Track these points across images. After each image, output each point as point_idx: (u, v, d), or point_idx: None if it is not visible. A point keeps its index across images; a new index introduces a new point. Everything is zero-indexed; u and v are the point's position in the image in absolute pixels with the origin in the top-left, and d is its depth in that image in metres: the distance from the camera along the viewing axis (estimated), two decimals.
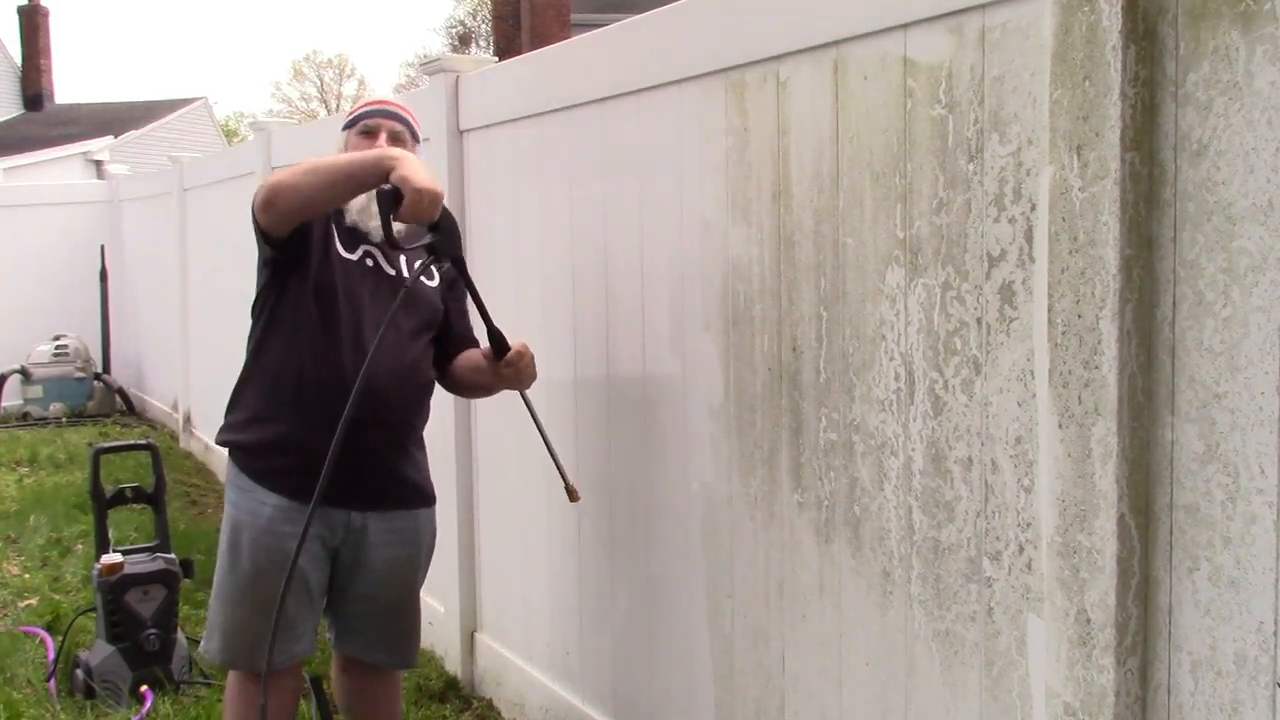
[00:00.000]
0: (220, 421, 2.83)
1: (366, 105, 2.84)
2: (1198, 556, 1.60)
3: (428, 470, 2.88)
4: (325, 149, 3.37)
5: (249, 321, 2.76)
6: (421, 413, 2.82)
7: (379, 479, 2.70)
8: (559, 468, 2.75)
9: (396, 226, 2.41)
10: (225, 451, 2.82)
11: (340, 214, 2.70)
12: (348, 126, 2.80)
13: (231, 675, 2.76)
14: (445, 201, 3.82)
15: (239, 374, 2.76)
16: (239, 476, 2.70)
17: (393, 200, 2.34)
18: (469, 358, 2.83)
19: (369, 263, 2.71)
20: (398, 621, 2.82)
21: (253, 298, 2.75)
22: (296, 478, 2.59)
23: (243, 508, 2.66)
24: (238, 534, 2.66)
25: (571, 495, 2.75)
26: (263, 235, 2.61)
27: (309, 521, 2.34)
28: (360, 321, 2.64)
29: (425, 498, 2.83)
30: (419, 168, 2.37)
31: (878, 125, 2.10)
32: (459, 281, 2.83)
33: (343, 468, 2.61)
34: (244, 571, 2.64)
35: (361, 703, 2.91)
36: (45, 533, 5.84)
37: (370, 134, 2.73)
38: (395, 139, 2.73)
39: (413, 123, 2.81)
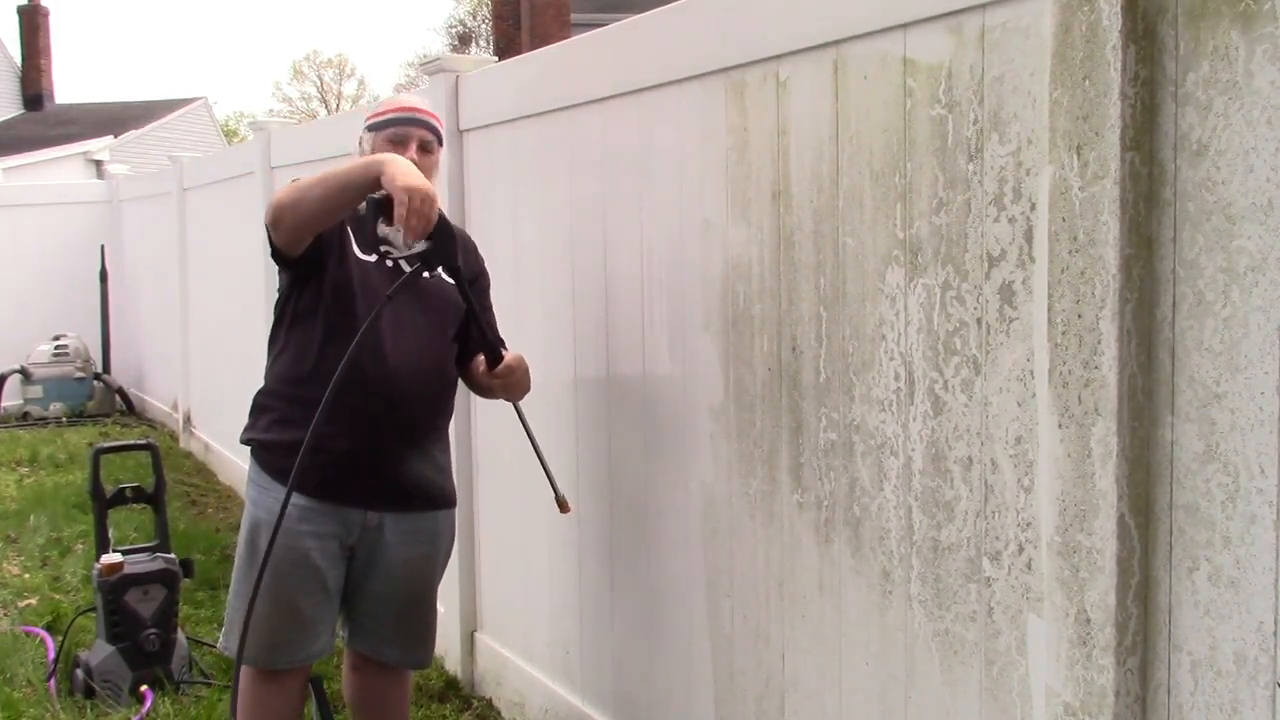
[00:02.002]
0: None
1: (398, 110, 2.80)
2: (1198, 556, 1.60)
3: (449, 471, 2.87)
4: (325, 148, 3.38)
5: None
6: (443, 412, 2.82)
7: (396, 479, 2.70)
8: (549, 478, 2.77)
9: (417, 245, 2.42)
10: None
11: (356, 224, 2.69)
12: (376, 129, 2.77)
13: (242, 671, 2.75)
14: (444, 202, 3.83)
15: (264, 376, 2.77)
16: (260, 475, 2.70)
17: (380, 205, 2.36)
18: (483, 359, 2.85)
19: (388, 263, 2.71)
20: (411, 621, 2.82)
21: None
22: (314, 477, 2.60)
23: (262, 506, 2.67)
24: (256, 532, 2.67)
25: (562, 506, 2.76)
26: (277, 251, 2.63)
27: (285, 503, 2.35)
28: (378, 324, 2.64)
29: (444, 500, 2.83)
30: (406, 167, 2.37)
31: (877, 125, 2.10)
32: (480, 280, 2.86)
33: (360, 467, 2.64)
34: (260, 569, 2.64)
35: (370, 702, 2.91)
36: (45, 533, 5.84)
37: (400, 143, 2.72)
38: (424, 148, 2.75)
39: (440, 127, 2.83)
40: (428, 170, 2.74)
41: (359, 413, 2.61)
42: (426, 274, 2.55)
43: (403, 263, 2.74)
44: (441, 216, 2.42)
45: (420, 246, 2.46)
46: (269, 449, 2.69)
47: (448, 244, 2.46)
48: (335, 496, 2.63)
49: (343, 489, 2.64)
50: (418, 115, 2.78)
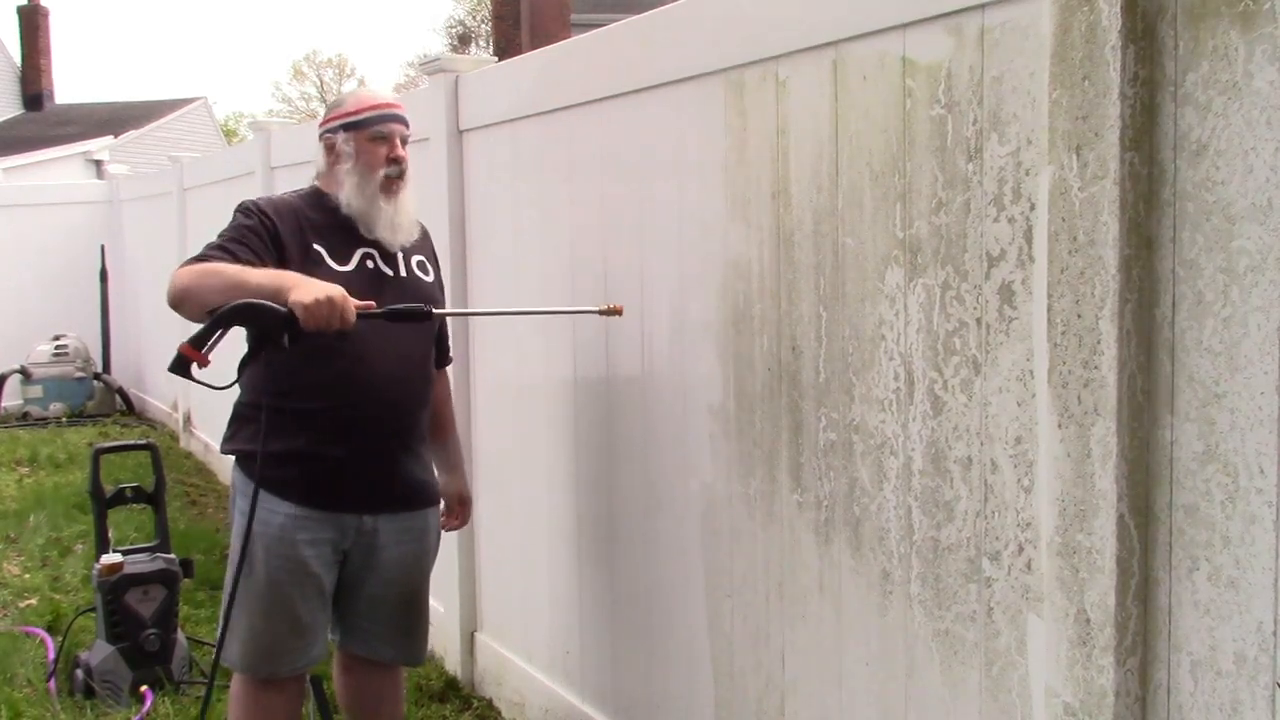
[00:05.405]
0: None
1: (374, 107, 2.75)
2: (1197, 556, 1.60)
3: (432, 467, 2.90)
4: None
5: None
6: (426, 410, 2.83)
7: (389, 482, 2.71)
8: (574, 312, 2.81)
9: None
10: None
11: (325, 232, 2.68)
12: (353, 127, 2.72)
13: (239, 680, 2.75)
14: (444, 202, 3.84)
15: (240, 386, 2.74)
16: (248, 485, 2.68)
17: (288, 321, 2.40)
18: (438, 408, 2.97)
19: (369, 265, 2.70)
20: (407, 618, 2.83)
21: None
22: (307, 486, 2.60)
23: (254, 517, 2.65)
24: (251, 543, 2.65)
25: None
26: None
27: (250, 520, 2.49)
28: (361, 329, 2.62)
29: (432, 497, 2.86)
30: (308, 287, 2.41)
31: (877, 125, 2.10)
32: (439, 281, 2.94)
33: (355, 473, 2.64)
34: (259, 580, 2.63)
35: (365, 702, 2.92)
36: (45, 533, 5.84)
37: (384, 140, 2.71)
38: (404, 143, 2.75)
39: (409, 120, 2.81)
40: (409, 163, 2.76)
41: (352, 420, 2.62)
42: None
43: (383, 265, 2.73)
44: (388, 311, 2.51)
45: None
46: (255, 459, 2.67)
47: (406, 315, 2.56)
48: (331, 504, 2.63)
49: (339, 496, 2.64)
50: (396, 111, 2.76)
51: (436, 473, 3.01)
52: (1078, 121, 1.65)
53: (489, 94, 3.67)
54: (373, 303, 2.54)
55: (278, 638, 2.62)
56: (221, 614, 2.74)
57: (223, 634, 2.56)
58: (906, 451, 2.08)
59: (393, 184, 2.71)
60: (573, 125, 3.15)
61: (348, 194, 2.71)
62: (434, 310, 2.63)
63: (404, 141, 2.75)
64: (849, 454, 2.21)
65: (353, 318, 2.42)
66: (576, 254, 3.16)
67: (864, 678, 2.21)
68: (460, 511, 3.09)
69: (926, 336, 2.02)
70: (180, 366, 2.43)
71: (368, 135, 2.71)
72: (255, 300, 2.39)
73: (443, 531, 3.01)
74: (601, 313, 2.64)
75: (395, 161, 2.71)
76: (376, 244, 2.72)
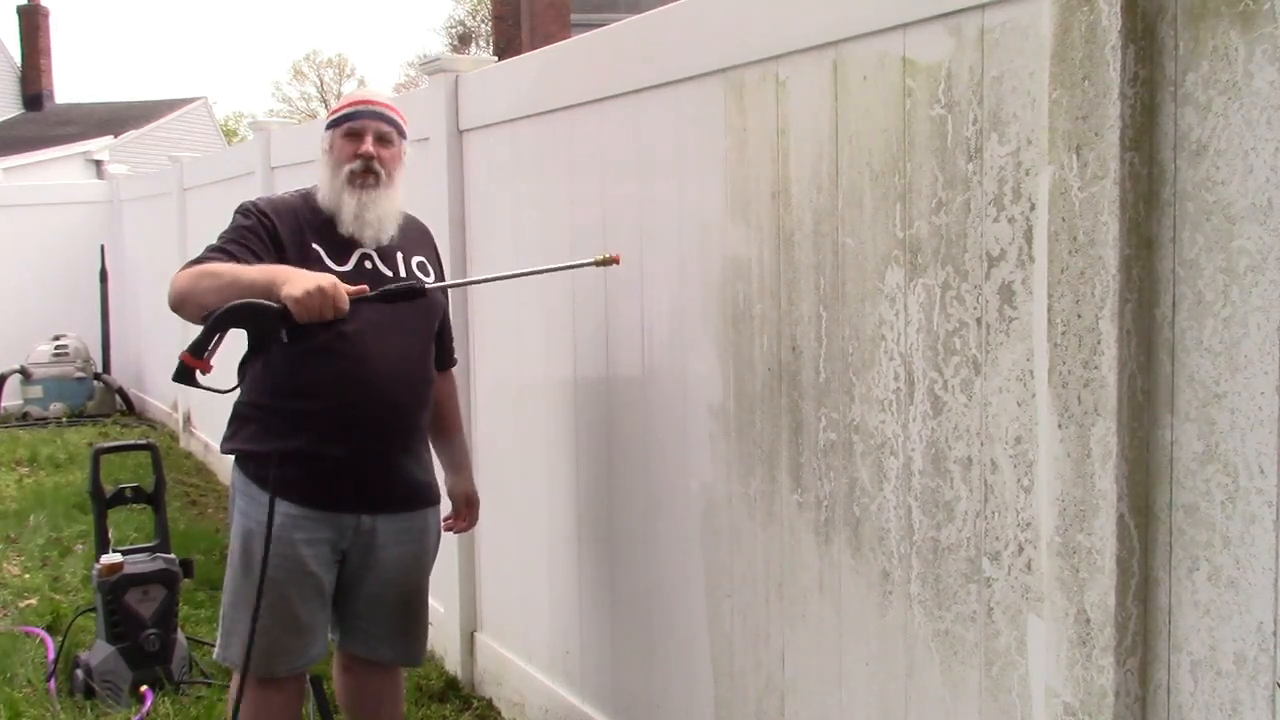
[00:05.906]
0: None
1: (353, 104, 2.75)
2: (1197, 556, 1.60)
3: (432, 468, 2.89)
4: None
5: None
6: (427, 410, 2.83)
7: (388, 482, 2.71)
8: (569, 267, 2.76)
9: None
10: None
11: (324, 232, 2.68)
12: (333, 125, 2.74)
13: (239, 679, 2.75)
14: (444, 202, 3.83)
15: (240, 386, 2.74)
16: (248, 485, 2.69)
17: (282, 314, 2.40)
18: (443, 408, 2.98)
19: (367, 265, 2.70)
20: (405, 619, 2.83)
21: None
22: (306, 486, 2.60)
23: (254, 516, 2.65)
24: (250, 542, 2.65)
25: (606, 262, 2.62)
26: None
27: (270, 520, 2.50)
28: (362, 329, 2.63)
29: (432, 498, 2.86)
30: (299, 279, 2.40)
31: (877, 125, 2.10)
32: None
33: (354, 473, 2.64)
34: (258, 580, 2.63)
35: (364, 702, 2.92)
36: (45, 533, 5.84)
37: (356, 136, 2.69)
38: (381, 140, 2.71)
39: (400, 120, 2.78)
40: (391, 161, 2.72)
41: (352, 420, 2.62)
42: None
43: (381, 265, 2.72)
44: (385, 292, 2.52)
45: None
46: (256, 459, 2.67)
47: (399, 294, 2.55)
48: (329, 504, 2.63)
49: (337, 496, 2.64)
50: (373, 107, 2.73)
51: (444, 474, 3.02)
52: (1078, 121, 1.65)
53: (489, 94, 3.67)
54: (365, 286, 2.53)
55: (277, 638, 2.62)
56: (226, 615, 2.74)
57: (251, 633, 2.57)
58: (906, 451, 2.08)
59: (358, 179, 2.67)
60: (573, 125, 3.15)
61: (322, 190, 2.73)
62: (427, 285, 2.62)
63: (384, 139, 2.71)
64: (849, 454, 2.21)
65: (345, 305, 2.42)
66: (576, 254, 3.16)
67: (864, 678, 2.21)
68: (467, 513, 3.08)
69: (926, 336, 2.02)
70: (183, 375, 2.44)
71: (342, 131, 2.72)
72: (248, 300, 2.40)
73: (450, 532, 3.02)
74: (597, 263, 2.61)
75: (361, 157, 2.67)
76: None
